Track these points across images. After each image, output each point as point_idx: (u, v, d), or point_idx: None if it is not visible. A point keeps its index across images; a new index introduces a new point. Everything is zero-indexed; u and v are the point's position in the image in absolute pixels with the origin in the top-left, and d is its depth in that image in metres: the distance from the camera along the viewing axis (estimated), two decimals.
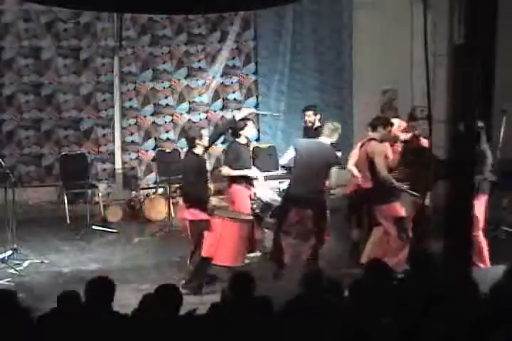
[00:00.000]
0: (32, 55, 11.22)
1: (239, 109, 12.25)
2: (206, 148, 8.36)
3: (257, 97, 12.35)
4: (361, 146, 8.66)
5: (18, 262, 8.97)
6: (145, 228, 10.66)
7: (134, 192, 11.41)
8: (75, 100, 11.47)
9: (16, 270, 8.76)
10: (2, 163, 9.34)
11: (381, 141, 8.42)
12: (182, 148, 11.98)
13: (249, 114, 9.32)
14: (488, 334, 4.98)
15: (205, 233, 8.10)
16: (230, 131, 9.00)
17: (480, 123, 8.04)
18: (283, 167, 9.94)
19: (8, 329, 5.09)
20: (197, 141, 8.15)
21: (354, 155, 8.98)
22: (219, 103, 12.20)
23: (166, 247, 9.83)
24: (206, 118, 12.15)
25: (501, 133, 10.09)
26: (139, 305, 5.47)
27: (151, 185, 11.84)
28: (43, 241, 9.88)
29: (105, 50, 11.51)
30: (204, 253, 8.11)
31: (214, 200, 8.67)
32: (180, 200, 8.59)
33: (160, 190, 11.58)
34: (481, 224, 8.36)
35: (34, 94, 11.30)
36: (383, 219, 8.39)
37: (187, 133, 8.74)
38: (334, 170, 8.43)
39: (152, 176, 11.88)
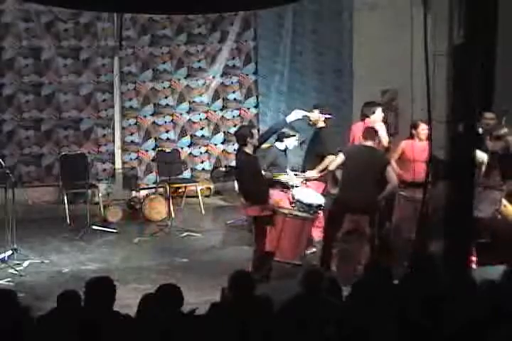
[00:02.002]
0: (32, 55, 11.21)
1: (239, 109, 12.32)
2: (256, 147, 8.38)
3: (257, 97, 12.35)
4: None
5: (18, 262, 8.95)
6: (145, 228, 10.65)
7: (134, 192, 11.41)
8: (75, 100, 11.47)
9: (16, 270, 8.75)
10: (2, 163, 9.33)
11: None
12: (182, 148, 12.02)
13: (303, 116, 9.19)
14: (488, 334, 4.98)
15: (268, 228, 8.27)
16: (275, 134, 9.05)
17: None
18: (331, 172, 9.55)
19: (8, 329, 5.09)
20: (248, 140, 8.19)
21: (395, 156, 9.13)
22: (219, 103, 12.20)
23: (166, 247, 9.84)
24: (206, 118, 12.16)
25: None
26: (139, 305, 5.47)
27: (151, 185, 11.84)
28: (42, 241, 9.87)
29: (105, 50, 11.50)
30: (267, 248, 8.28)
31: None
32: (241, 199, 8.62)
33: (160, 190, 11.58)
34: None
35: (34, 94, 11.29)
36: None
37: (238, 131, 8.59)
38: (390, 170, 8.47)
39: (152, 176, 11.88)
